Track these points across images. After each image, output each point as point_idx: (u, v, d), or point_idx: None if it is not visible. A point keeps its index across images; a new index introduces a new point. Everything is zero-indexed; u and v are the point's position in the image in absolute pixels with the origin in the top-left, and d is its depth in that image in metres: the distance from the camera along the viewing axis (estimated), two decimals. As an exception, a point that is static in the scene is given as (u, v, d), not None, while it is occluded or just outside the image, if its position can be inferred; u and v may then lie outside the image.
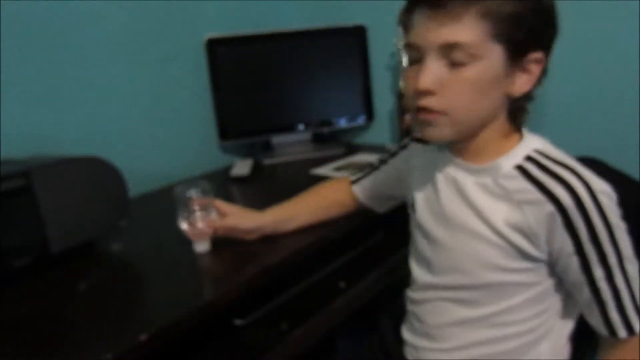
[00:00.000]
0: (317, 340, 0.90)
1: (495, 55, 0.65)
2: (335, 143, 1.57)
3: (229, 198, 1.26)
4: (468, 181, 0.73)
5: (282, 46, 1.47)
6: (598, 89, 1.19)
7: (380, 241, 1.13)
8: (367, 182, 0.97)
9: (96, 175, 0.89)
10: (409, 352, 0.86)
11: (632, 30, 1.12)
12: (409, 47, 0.68)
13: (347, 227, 1.00)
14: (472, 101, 0.67)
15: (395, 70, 1.49)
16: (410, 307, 0.86)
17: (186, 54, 1.37)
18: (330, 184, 1.03)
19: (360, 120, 1.55)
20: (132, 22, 1.24)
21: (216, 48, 1.38)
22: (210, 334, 0.84)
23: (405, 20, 0.69)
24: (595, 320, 0.70)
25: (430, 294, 0.80)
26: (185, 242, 0.89)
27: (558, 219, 0.65)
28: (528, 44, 0.66)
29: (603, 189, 0.66)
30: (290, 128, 1.52)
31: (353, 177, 1.01)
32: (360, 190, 0.98)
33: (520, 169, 0.69)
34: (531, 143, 0.71)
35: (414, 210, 0.83)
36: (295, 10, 1.64)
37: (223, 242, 0.90)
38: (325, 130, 1.58)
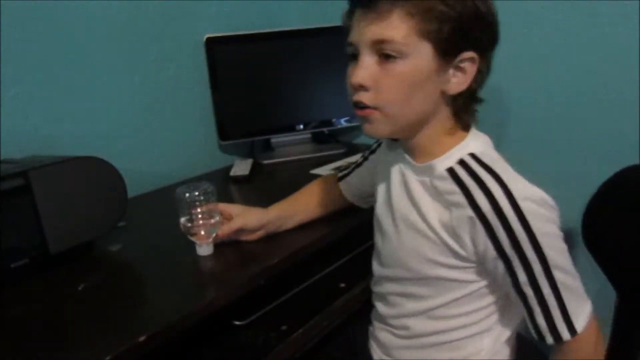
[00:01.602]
0: (317, 340, 0.90)
1: (423, 52, 0.67)
2: (335, 143, 1.57)
3: (229, 198, 1.26)
4: (412, 178, 0.77)
5: (281, 46, 1.46)
6: (598, 89, 1.19)
7: (381, 241, 1.12)
8: (351, 179, 1.00)
9: (95, 176, 0.89)
10: (372, 341, 0.89)
11: (632, 30, 1.11)
12: (349, 45, 0.72)
13: (347, 227, 1.00)
14: (403, 96, 0.69)
15: (395, 69, 1.49)
16: (372, 297, 0.90)
17: (185, 54, 1.37)
18: (322, 182, 1.05)
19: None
20: (131, 21, 1.24)
21: (215, 47, 1.38)
22: (210, 334, 0.83)
23: (347, 21, 0.74)
24: (528, 324, 0.71)
25: (384, 287, 0.85)
26: (184, 242, 0.88)
27: (478, 224, 0.67)
28: (458, 43, 0.67)
29: (528, 195, 0.66)
30: (290, 128, 1.52)
31: (340, 174, 1.03)
32: (346, 187, 1.01)
33: (451, 171, 0.71)
34: (469, 146, 0.73)
35: (375, 203, 0.87)
36: (295, 10, 1.64)
37: (223, 243, 0.90)
38: (325, 130, 1.58)
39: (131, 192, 0.96)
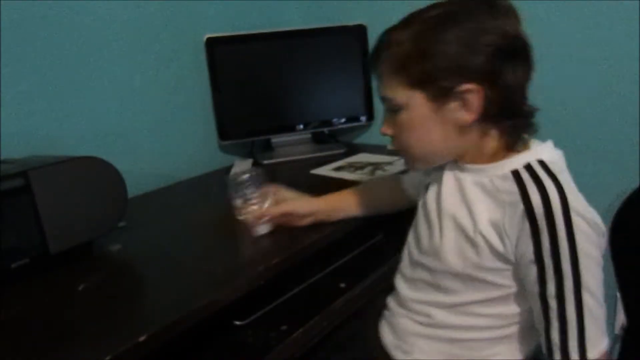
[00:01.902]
0: (317, 340, 0.90)
1: (417, 99, 0.72)
2: (335, 143, 1.57)
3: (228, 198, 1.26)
4: (468, 180, 0.76)
5: (282, 46, 1.46)
6: (598, 89, 1.19)
7: (380, 242, 1.12)
8: (416, 176, 0.99)
9: (95, 176, 0.89)
10: (386, 326, 0.90)
11: (632, 30, 1.11)
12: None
13: (347, 228, 1.00)
14: (416, 140, 0.76)
15: (395, 69, 1.49)
16: (396, 280, 0.90)
17: (186, 54, 1.37)
18: (386, 183, 1.06)
19: (361, 120, 1.55)
20: (131, 21, 1.24)
21: (216, 47, 1.38)
22: (210, 335, 0.83)
23: None
24: (540, 336, 0.70)
25: (416, 272, 0.85)
26: (184, 242, 0.88)
27: (526, 222, 0.67)
28: (444, 82, 0.69)
29: (582, 212, 0.66)
30: (290, 128, 1.52)
31: (401, 170, 1.05)
32: (409, 183, 1.00)
33: (515, 173, 0.71)
34: (538, 154, 0.72)
35: (425, 191, 0.86)
36: (295, 9, 1.64)
37: (222, 242, 0.90)
38: (325, 130, 1.58)
39: (131, 192, 0.96)
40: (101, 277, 0.84)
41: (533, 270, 0.68)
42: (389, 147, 0.81)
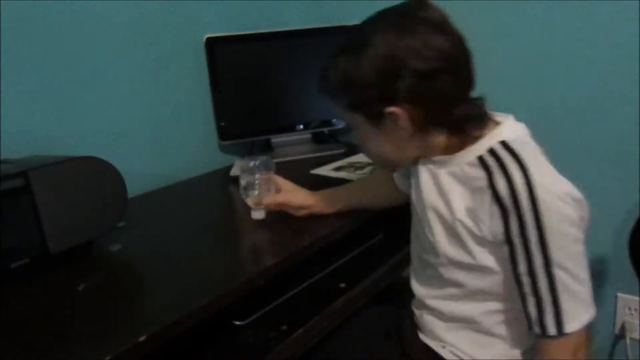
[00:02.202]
0: (317, 340, 0.90)
1: (359, 119, 0.78)
2: (335, 143, 1.57)
3: (228, 198, 1.26)
4: (442, 171, 0.79)
5: (281, 45, 1.46)
6: (598, 89, 1.19)
7: (380, 242, 1.12)
8: (404, 170, 1.01)
9: (95, 176, 0.89)
10: (420, 327, 0.92)
11: (632, 30, 1.11)
12: None
13: (347, 228, 1.00)
14: (373, 150, 0.83)
15: (395, 69, 1.49)
16: (411, 283, 0.94)
17: (186, 54, 1.37)
18: (381, 179, 1.08)
19: (360, 120, 1.55)
20: (131, 21, 1.24)
21: (215, 48, 1.38)
22: (210, 335, 0.83)
23: None
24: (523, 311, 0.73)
25: (426, 271, 0.88)
26: (184, 242, 0.88)
27: (495, 208, 0.70)
28: (373, 107, 0.74)
29: (549, 188, 0.68)
30: (290, 128, 1.51)
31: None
32: (398, 180, 1.02)
33: (480, 158, 0.74)
34: (501, 134, 0.75)
35: (411, 188, 0.90)
36: (295, 9, 1.64)
37: (222, 242, 0.89)
38: (325, 130, 1.58)
39: (131, 192, 0.96)
40: (101, 277, 0.84)
41: (505, 250, 0.71)
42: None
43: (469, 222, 0.74)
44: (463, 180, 0.76)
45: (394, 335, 0.97)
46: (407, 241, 0.93)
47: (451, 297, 0.84)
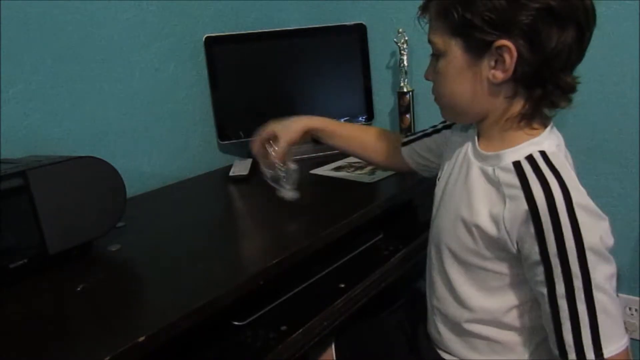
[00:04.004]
0: (317, 341, 0.90)
1: (455, 48, 0.71)
2: (335, 143, 1.56)
3: (228, 198, 1.26)
4: (474, 165, 0.76)
5: (281, 45, 1.46)
6: (599, 89, 1.19)
7: (380, 241, 1.12)
8: (416, 145, 0.99)
9: (94, 176, 0.88)
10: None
11: (632, 30, 1.11)
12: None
13: (347, 227, 1.00)
14: (447, 90, 0.76)
15: (395, 69, 1.49)
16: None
17: (185, 53, 1.37)
18: (386, 133, 1.07)
19: (360, 119, 1.55)
20: (131, 21, 1.24)
21: (215, 47, 1.38)
22: (209, 335, 0.83)
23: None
24: (549, 337, 0.69)
25: (432, 268, 0.86)
26: (184, 242, 0.88)
27: (530, 224, 0.65)
28: (484, 34, 0.66)
29: (584, 204, 0.65)
30: (289, 128, 1.51)
31: (405, 139, 1.03)
32: (409, 153, 1.01)
33: (517, 165, 0.70)
34: (542, 144, 0.71)
35: (438, 179, 0.87)
36: (295, 9, 1.64)
37: (222, 242, 0.89)
38: (325, 130, 1.57)
39: (131, 192, 0.96)
40: (100, 277, 0.84)
41: (540, 271, 0.66)
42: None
43: (489, 227, 0.71)
44: (494, 183, 0.72)
45: (409, 345, 0.95)
46: (407, 241, 0.93)
47: (445, 297, 0.82)
